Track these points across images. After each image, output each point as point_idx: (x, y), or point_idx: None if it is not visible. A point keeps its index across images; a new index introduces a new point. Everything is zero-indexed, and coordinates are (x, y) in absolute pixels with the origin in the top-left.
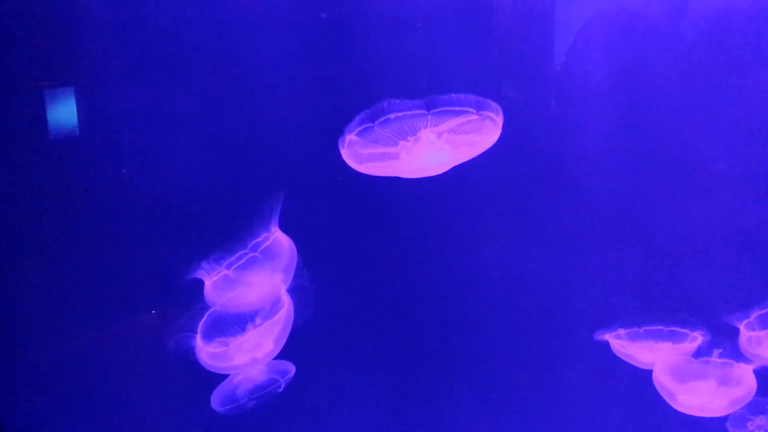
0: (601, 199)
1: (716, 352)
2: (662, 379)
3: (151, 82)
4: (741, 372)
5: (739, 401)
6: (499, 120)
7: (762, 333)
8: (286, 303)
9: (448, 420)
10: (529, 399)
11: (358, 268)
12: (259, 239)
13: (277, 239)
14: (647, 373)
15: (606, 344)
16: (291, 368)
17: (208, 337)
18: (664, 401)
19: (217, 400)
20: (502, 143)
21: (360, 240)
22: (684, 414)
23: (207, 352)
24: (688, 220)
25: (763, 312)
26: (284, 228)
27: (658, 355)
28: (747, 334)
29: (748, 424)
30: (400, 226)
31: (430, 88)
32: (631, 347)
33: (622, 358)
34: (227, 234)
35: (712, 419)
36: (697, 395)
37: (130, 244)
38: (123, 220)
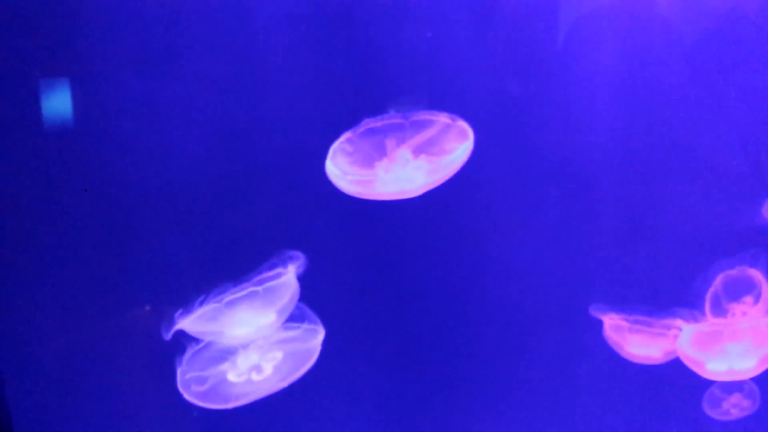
0: (607, 196)
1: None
2: (687, 351)
3: (148, 74)
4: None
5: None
6: (470, 136)
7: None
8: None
9: (454, 419)
10: (535, 396)
11: (360, 268)
12: (266, 275)
13: (286, 279)
14: (650, 370)
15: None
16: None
17: (193, 374)
18: (668, 398)
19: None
20: (505, 140)
21: (362, 238)
22: (689, 409)
23: (193, 392)
24: (693, 216)
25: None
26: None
27: (654, 346)
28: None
29: (723, 404)
30: (403, 223)
31: (433, 85)
32: (629, 335)
33: (618, 348)
34: (225, 232)
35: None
36: (725, 359)
37: (125, 239)
38: (118, 213)
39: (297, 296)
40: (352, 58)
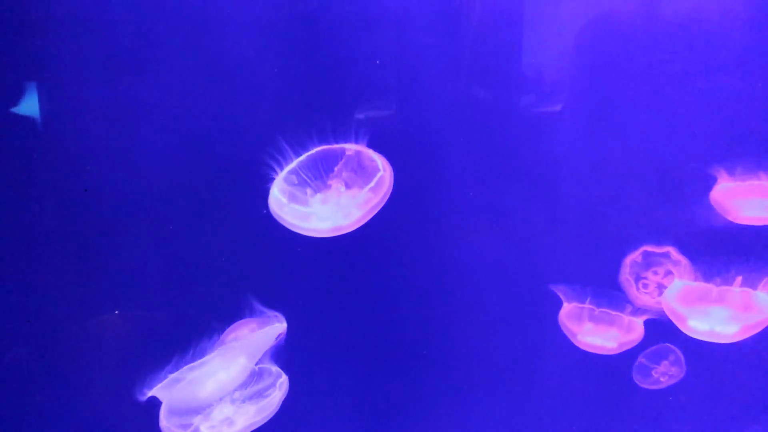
0: (569, 199)
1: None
2: (672, 303)
3: (117, 78)
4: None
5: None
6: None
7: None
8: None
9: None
10: (504, 393)
11: (334, 273)
12: (239, 333)
13: (250, 342)
14: (613, 364)
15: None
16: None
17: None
18: (629, 389)
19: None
20: (473, 144)
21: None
22: (650, 400)
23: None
24: (659, 218)
25: None
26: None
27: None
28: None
29: (653, 372)
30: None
31: (400, 89)
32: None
33: (572, 336)
34: (194, 235)
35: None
36: (707, 320)
37: (93, 242)
38: (86, 217)
39: (268, 347)
40: (319, 63)
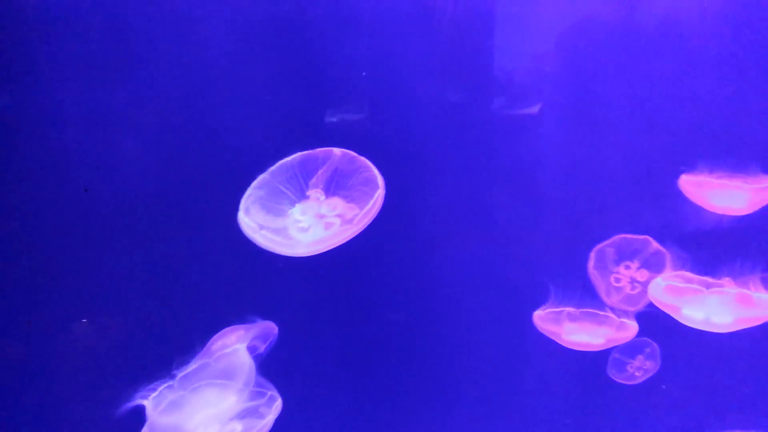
0: (551, 201)
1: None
2: (664, 295)
3: (92, 83)
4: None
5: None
6: (381, 187)
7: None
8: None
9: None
10: (492, 395)
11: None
12: (216, 355)
13: (238, 355)
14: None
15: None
16: (273, 330)
17: None
18: (609, 386)
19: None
20: (449, 146)
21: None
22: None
23: None
24: (632, 219)
25: None
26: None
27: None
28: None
29: (628, 367)
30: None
31: (375, 91)
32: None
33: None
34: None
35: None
36: (703, 308)
37: (65, 247)
38: (61, 222)
39: (254, 370)
40: (292, 67)
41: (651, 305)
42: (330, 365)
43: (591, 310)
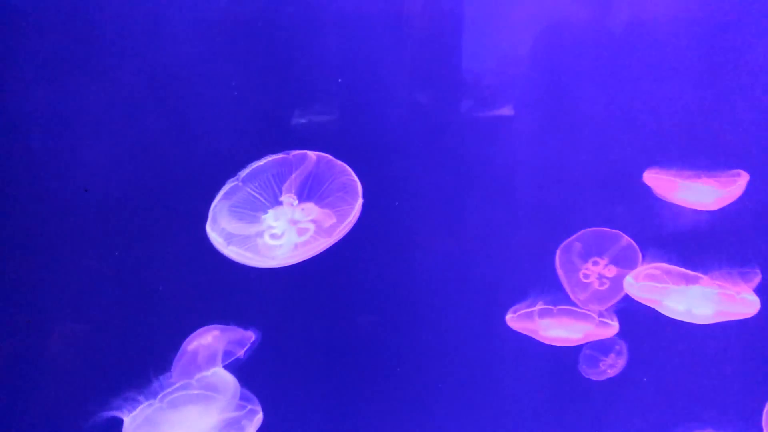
0: (525, 202)
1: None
2: (644, 289)
3: (59, 82)
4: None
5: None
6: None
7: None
8: None
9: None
10: (472, 397)
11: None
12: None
13: (219, 375)
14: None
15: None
16: (250, 335)
17: None
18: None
19: (177, 373)
20: (420, 149)
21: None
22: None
23: None
24: (611, 220)
25: None
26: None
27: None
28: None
29: (600, 364)
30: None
31: (344, 92)
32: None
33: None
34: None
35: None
36: (685, 300)
37: (39, 250)
38: (30, 225)
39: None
40: (260, 68)
41: (621, 302)
42: (307, 369)
43: (568, 307)
